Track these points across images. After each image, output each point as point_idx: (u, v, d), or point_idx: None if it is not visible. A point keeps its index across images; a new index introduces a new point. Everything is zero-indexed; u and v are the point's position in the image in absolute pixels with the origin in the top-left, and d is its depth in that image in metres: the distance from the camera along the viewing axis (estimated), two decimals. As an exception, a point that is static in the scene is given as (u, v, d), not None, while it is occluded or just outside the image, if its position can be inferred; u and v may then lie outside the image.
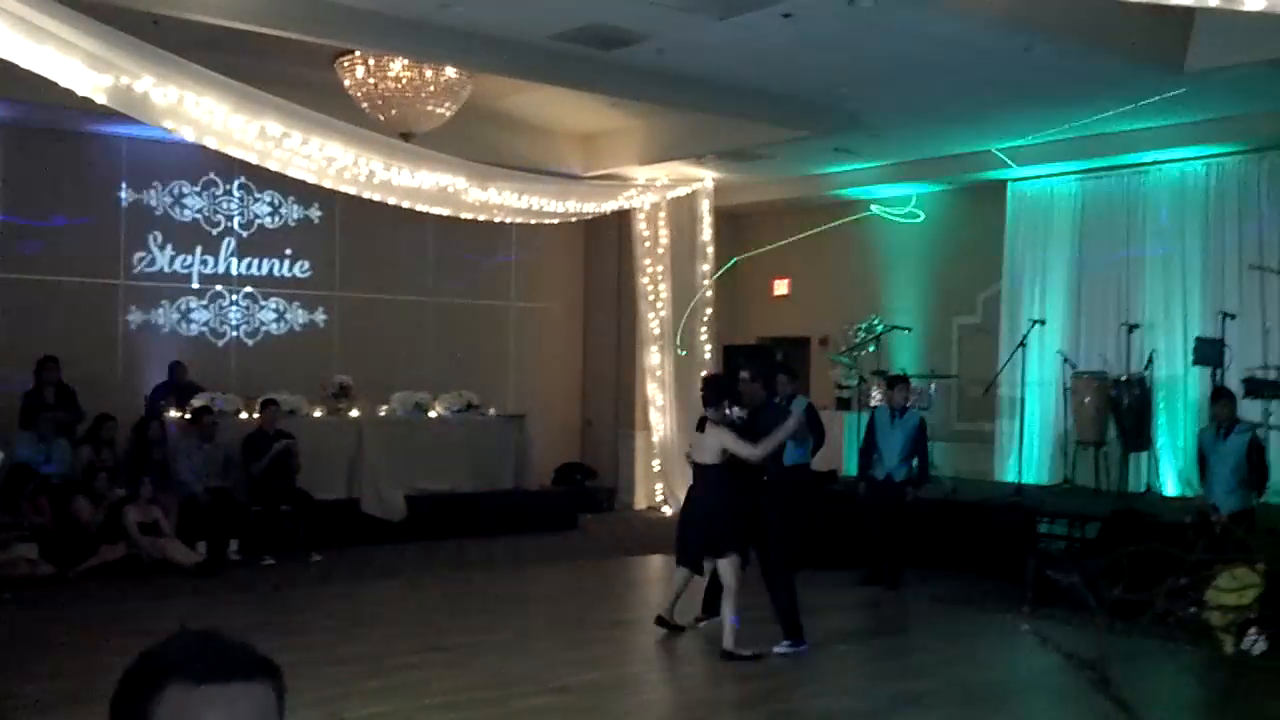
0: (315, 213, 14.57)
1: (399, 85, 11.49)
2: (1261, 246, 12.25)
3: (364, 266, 14.97)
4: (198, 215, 13.90)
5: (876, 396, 12.93)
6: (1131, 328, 12.78)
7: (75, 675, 7.34)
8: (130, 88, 8.73)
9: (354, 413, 13.47)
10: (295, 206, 14.49)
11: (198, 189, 13.87)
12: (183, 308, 13.80)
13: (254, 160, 10.30)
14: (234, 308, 14.13)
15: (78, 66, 8.31)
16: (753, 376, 9.02)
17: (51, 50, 8.07)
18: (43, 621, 8.87)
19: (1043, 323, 13.31)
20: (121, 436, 12.02)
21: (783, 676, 7.83)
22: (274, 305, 14.43)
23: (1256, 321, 12.16)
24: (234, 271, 14.12)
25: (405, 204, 11.79)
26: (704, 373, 14.81)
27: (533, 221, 13.85)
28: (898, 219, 15.33)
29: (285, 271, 14.46)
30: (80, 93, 8.61)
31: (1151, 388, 12.59)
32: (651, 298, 15.92)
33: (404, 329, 15.22)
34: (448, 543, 12.79)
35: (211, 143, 9.78)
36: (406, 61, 11.30)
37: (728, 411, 8.48)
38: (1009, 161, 13.28)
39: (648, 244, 15.96)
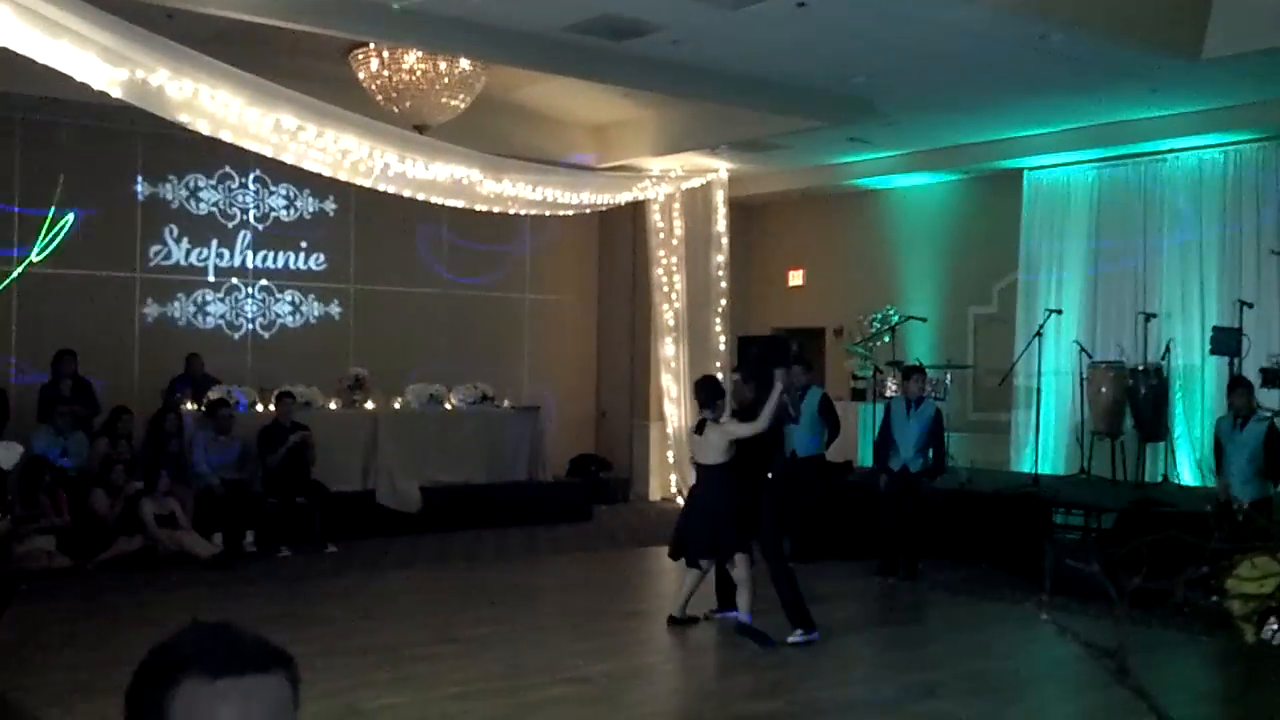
0: (330, 205, 14.60)
1: (413, 77, 11.49)
2: (1280, 234, 12.19)
3: (379, 259, 15.00)
4: (213, 208, 13.93)
5: (892, 387, 12.90)
6: (1149, 317, 12.72)
7: (92, 667, 7.38)
8: (146, 81, 8.75)
9: (369, 405, 13.51)
10: (310, 199, 14.51)
11: (213, 182, 13.91)
12: (199, 300, 13.84)
13: (269, 153, 10.31)
14: (250, 300, 14.17)
15: (93, 60, 8.33)
16: (745, 378, 9.04)
17: (67, 44, 8.09)
18: (59, 613, 8.92)
19: (1059, 312, 13.25)
20: (138, 429, 12.06)
21: (797, 666, 7.82)
22: (289, 298, 14.46)
23: (1274, 310, 12.10)
24: (250, 264, 14.15)
25: (420, 196, 11.80)
26: (720, 363, 14.86)
27: (547, 213, 13.85)
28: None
29: (301, 264, 14.49)
30: (96, 86, 8.64)
31: (1168, 377, 12.54)
32: (666, 289, 15.91)
33: (419, 321, 15.24)
34: (462, 534, 12.81)
35: (227, 136, 9.79)
36: (421, 54, 11.30)
37: (725, 412, 8.61)
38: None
39: (662, 235, 15.94)
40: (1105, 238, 13.70)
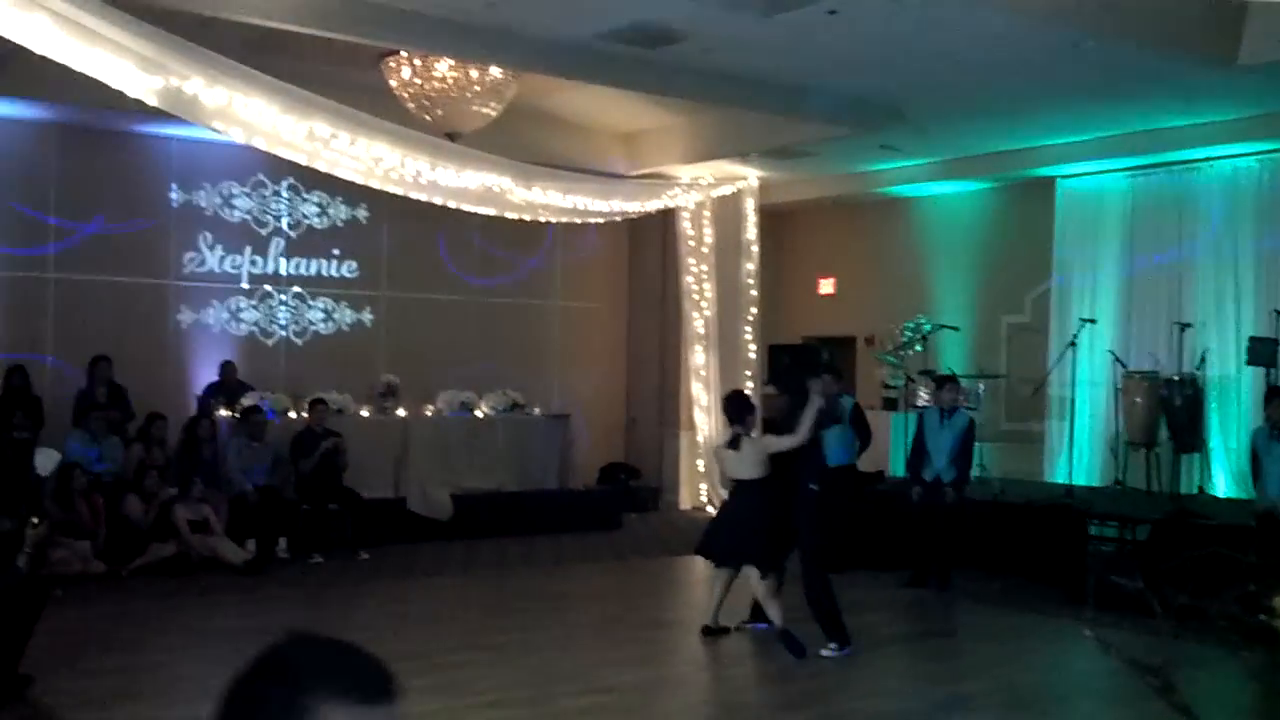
0: (362, 213, 14.66)
1: (445, 85, 11.54)
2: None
3: (410, 266, 15.05)
4: (247, 216, 14.02)
5: (924, 397, 12.83)
6: (1183, 326, 12.60)
7: (125, 672, 7.44)
8: (181, 89, 8.82)
9: (400, 412, 13.56)
10: (343, 207, 14.58)
11: (247, 189, 14.00)
12: (232, 307, 13.93)
13: (303, 161, 10.37)
14: (283, 307, 14.25)
15: (129, 69, 8.40)
16: (780, 391, 8.99)
17: (104, 53, 8.17)
18: (94, 618, 8.97)
19: (1093, 322, 13.15)
20: (172, 435, 12.14)
21: (829, 678, 7.78)
22: (322, 305, 14.53)
23: (1312, 320, 11.96)
24: (283, 271, 14.23)
25: (451, 204, 11.83)
26: (750, 372, 14.83)
27: (577, 221, 13.87)
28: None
29: (333, 271, 14.56)
30: (132, 95, 8.71)
31: (1204, 388, 12.42)
32: (696, 297, 15.89)
33: (449, 328, 15.28)
34: (493, 541, 12.83)
35: (261, 144, 9.86)
36: (452, 62, 11.35)
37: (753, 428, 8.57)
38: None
39: (692, 243, 15.92)
40: (1139, 246, 13.59)
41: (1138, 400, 12.42)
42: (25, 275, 12.62)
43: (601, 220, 14.09)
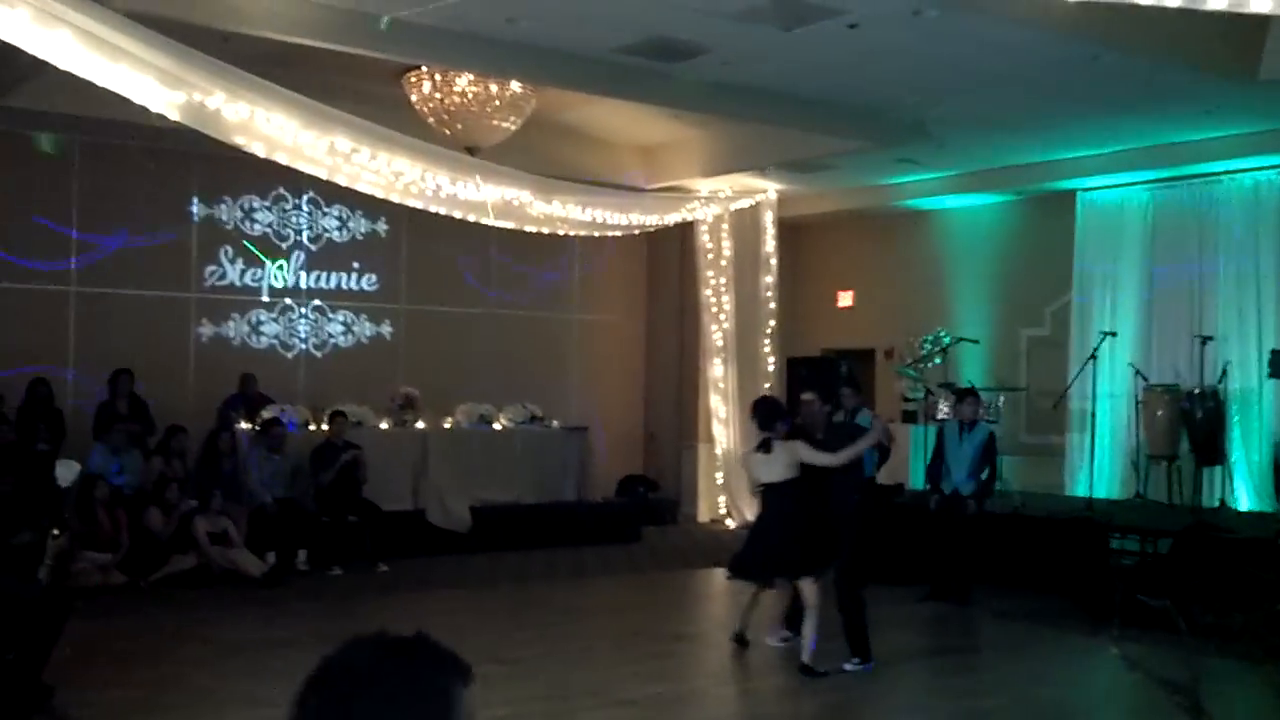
0: (382, 226, 14.72)
1: (465, 100, 11.60)
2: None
3: (429, 279, 15.10)
4: (267, 229, 14.09)
5: (944, 409, 12.79)
6: (1205, 340, 12.53)
7: (147, 684, 7.46)
8: (203, 104, 8.87)
9: (419, 424, 13.58)
10: (362, 220, 14.65)
11: (267, 203, 14.07)
12: (253, 320, 13.99)
13: (323, 175, 10.42)
14: (303, 320, 14.31)
15: (151, 84, 8.46)
16: (819, 398, 8.86)
17: (126, 68, 8.22)
18: (115, 630, 9.00)
19: (1114, 335, 13.10)
20: (192, 448, 12.20)
21: (850, 692, 7.75)
22: (342, 318, 14.59)
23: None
24: (303, 285, 14.29)
25: (470, 217, 11.87)
26: (768, 384, 14.80)
27: (596, 234, 13.89)
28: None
29: (353, 285, 14.62)
30: (154, 109, 8.77)
31: (1225, 400, 12.35)
32: (715, 309, 15.90)
33: (468, 341, 15.31)
34: (511, 554, 12.83)
35: (282, 158, 9.91)
36: (472, 76, 11.40)
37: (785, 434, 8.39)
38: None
39: (710, 256, 15.94)
40: (1160, 259, 13.54)
41: (1159, 413, 12.37)
42: (48, 289, 12.71)
43: (620, 233, 14.11)
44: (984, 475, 10.93)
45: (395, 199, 11.19)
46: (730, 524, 15.73)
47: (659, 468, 16.80)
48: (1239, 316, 12.84)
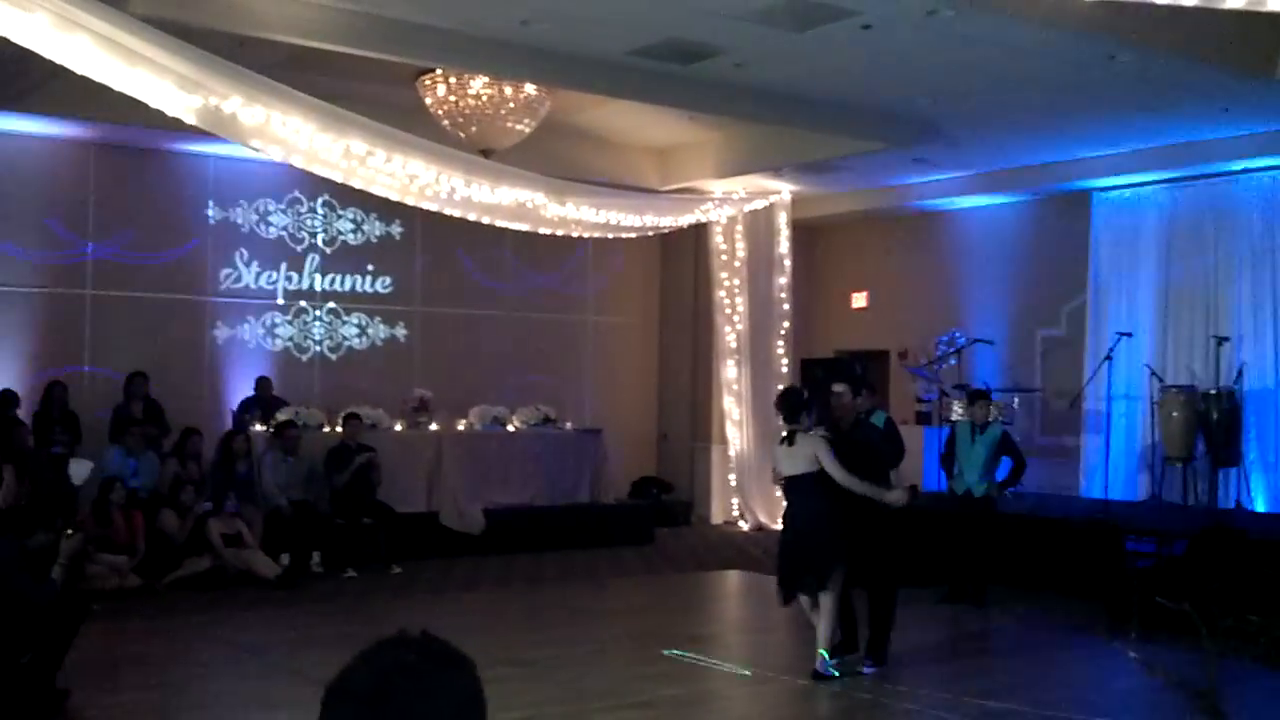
0: (396, 229, 14.75)
1: (479, 102, 11.62)
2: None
3: (444, 282, 15.13)
4: (282, 232, 14.13)
5: (958, 410, 12.77)
6: (1221, 340, 12.49)
7: (162, 686, 7.49)
8: (219, 108, 8.90)
9: (433, 426, 13.61)
10: (377, 223, 14.68)
11: (282, 206, 14.11)
12: (268, 323, 14.03)
13: (339, 179, 10.44)
14: (317, 323, 14.34)
15: (169, 88, 8.49)
16: (851, 391, 8.73)
17: (144, 72, 8.26)
18: (130, 633, 9.03)
19: (1129, 335, 13.06)
20: (207, 450, 12.24)
21: (865, 694, 7.73)
22: (356, 320, 14.62)
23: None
24: (317, 287, 14.33)
25: (485, 220, 11.88)
26: (780, 387, 14.76)
27: (610, 236, 13.90)
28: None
29: (367, 287, 14.65)
30: (170, 113, 8.80)
31: (1241, 402, 12.31)
32: (728, 311, 15.89)
33: (482, 344, 15.34)
34: (525, 556, 12.85)
35: (298, 161, 9.93)
36: (487, 79, 11.41)
37: (811, 425, 8.24)
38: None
39: (724, 257, 15.94)
40: (1176, 259, 13.49)
41: (1174, 414, 12.33)
42: (63, 292, 12.77)
43: (634, 235, 14.12)
44: (1006, 468, 10.85)
45: (410, 202, 11.21)
46: (743, 525, 15.73)
47: (672, 469, 16.80)
48: (1255, 317, 12.79)
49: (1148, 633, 8.64)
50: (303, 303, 14.25)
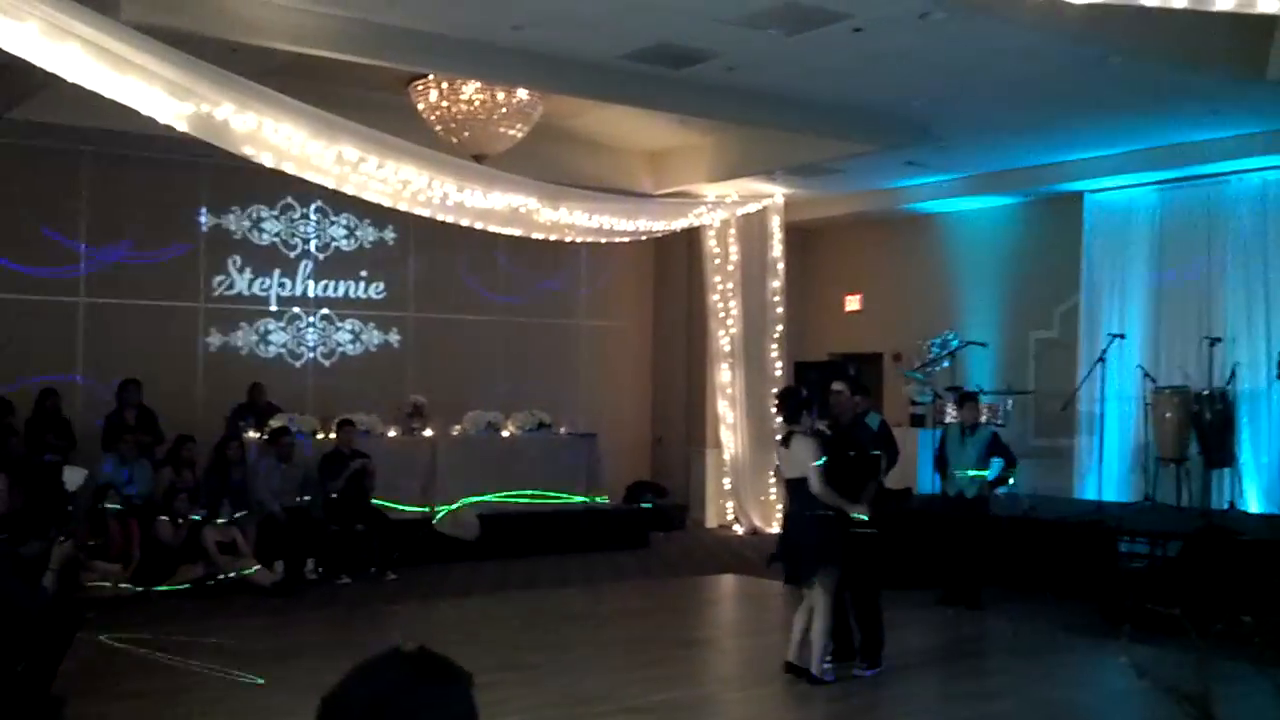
0: (389, 235, 14.76)
1: (472, 108, 11.62)
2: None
3: (437, 288, 15.13)
4: (275, 239, 14.13)
5: (951, 413, 12.79)
6: (1213, 341, 12.52)
7: (157, 695, 7.47)
8: (211, 115, 8.88)
9: (428, 432, 13.60)
10: (370, 229, 14.68)
11: (275, 213, 14.11)
12: (261, 330, 14.02)
13: (331, 185, 10.43)
14: (311, 329, 14.34)
15: (160, 95, 8.47)
16: (850, 390, 8.74)
17: (135, 80, 8.24)
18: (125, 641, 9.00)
19: (1122, 337, 13.08)
20: (201, 457, 12.22)
21: (861, 697, 7.75)
22: (350, 326, 14.62)
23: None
24: (311, 293, 14.32)
25: (478, 225, 11.88)
26: (776, 389, 14.76)
27: (603, 240, 13.91)
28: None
29: (360, 293, 14.65)
30: (162, 120, 8.78)
31: (1234, 402, 12.34)
32: (722, 315, 15.90)
33: (476, 349, 15.33)
34: (520, 561, 12.84)
35: (290, 168, 9.92)
36: (479, 84, 11.41)
37: (813, 425, 8.20)
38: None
39: (718, 261, 15.95)
40: (1168, 261, 13.52)
41: (1168, 415, 12.35)
42: (56, 299, 12.76)
43: (627, 239, 14.12)
44: (996, 467, 10.84)
45: (403, 207, 11.22)
46: (738, 529, 15.73)
47: (667, 473, 16.80)
48: (1248, 318, 12.81)
49: (1141, 634, 8.63)
50: (296, 309, 14.24)
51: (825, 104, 11.57)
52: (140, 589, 10.59)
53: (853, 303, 17.07)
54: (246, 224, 13.94)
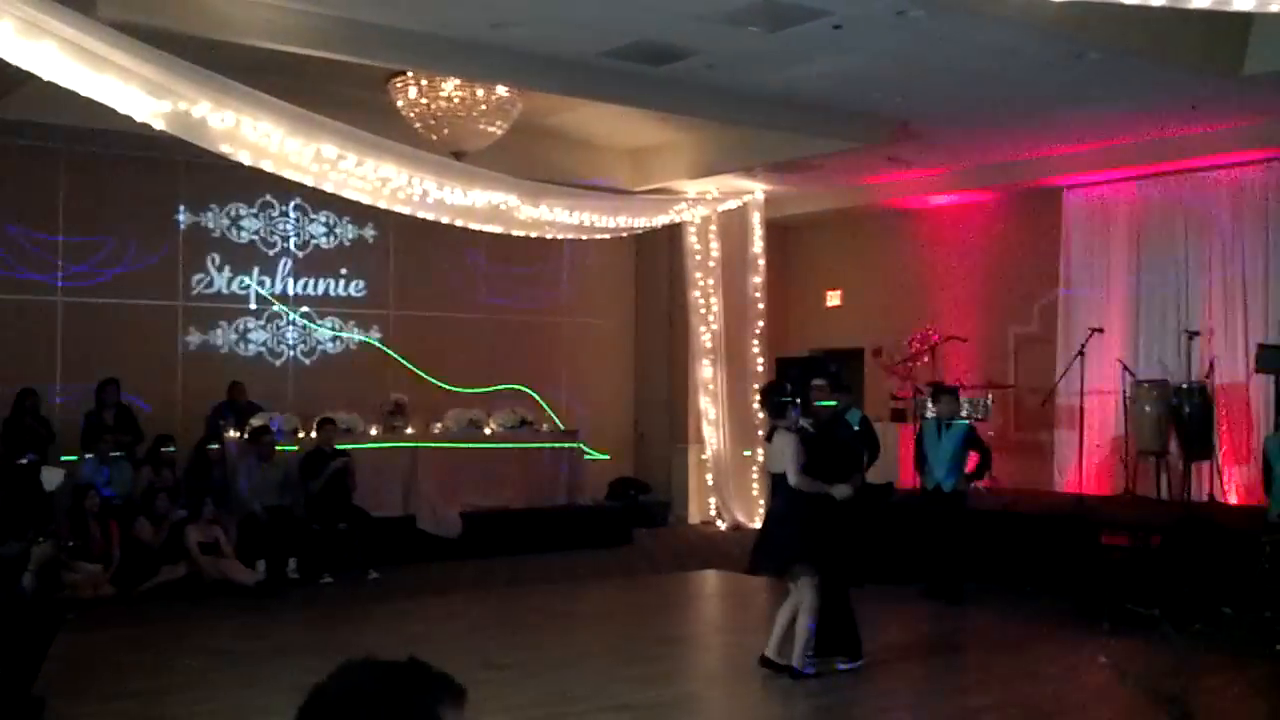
0: (370, 232, 14.71)
1: (451, 105, 11.59)
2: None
3: (418, 285, 15.09)
4: (254, 236, 14.07)
5: (930, 408, 12.82)
6: (1192, 334, 12.59)
7: (139, 695, 7.44)
8: (188, 113, 8.85)
9: (409, 430, 13.56)
10: (350, 226, 14.63)
11: (254, 210, 14.05)
12: (240, 328, 13.96)
13: (310, 183, 10.41)
14: (291, 327, 14.28)
15: (137, 93, 8.43)
16: (829, 386, 8.77)
17: (111, 78, 8.20)
18: (106, 641, 8.97)
19: (1101, 331, 13.14)
20: (181, 457, 12.15)
21: (843, 692, 7.76)
22: (330, 324, 14.56)
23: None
24: (290, 292, 14.27)
25: (458, 222, 11.86)
26: (758, 385, 14.78)
27: (584, 237, 13.89)
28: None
29: (341, 291, 14.60)
30: (139, 118, 8.74)
31: (1213, 395, 12.40)
32: (703, 311, 15.92)
33: (457, 347, 15.29)
34: (503, 559, 12.82)
35: (268, 166, 9.88)
36: (458, 81, 11.38)
37: (797, 421, 8.22)
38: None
39: (699, 257, 15.96)
40: (1147, 255, 13.58)
41: (1147, 409, 12.41)
42: (34, 299, 12.67)
43: (608, 236, 14.11)
44: (971, 463, 10.86)
45: (382, 205, 11.19)
46: (721, 525, 15.75)
47: (649, 470, 16.80)
48: (1225, 311, 12.89)
49: (1120, 628, 8.68)
50: (276, 307, 14.19)
51: (805, 101, 11.58)
52: (121, 589, 10.53)
53: (833, 298, 17.09)
54: (225, 222, 13.87)
